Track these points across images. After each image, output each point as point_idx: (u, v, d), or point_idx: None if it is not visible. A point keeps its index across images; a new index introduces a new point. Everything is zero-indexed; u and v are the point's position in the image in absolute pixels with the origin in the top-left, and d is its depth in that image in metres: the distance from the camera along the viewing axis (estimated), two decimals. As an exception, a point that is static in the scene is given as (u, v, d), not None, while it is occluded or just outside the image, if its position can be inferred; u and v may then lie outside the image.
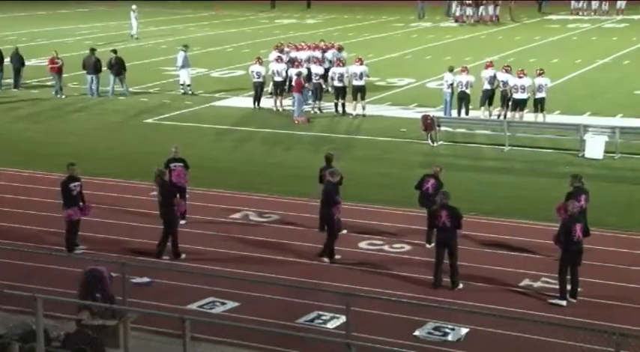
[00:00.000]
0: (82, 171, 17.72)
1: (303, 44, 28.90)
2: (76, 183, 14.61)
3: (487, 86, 23.73)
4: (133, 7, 43.92)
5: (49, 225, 15.81)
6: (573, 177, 14.20)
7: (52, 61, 28.83)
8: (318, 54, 27.07)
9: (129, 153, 21.57)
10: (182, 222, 15.28)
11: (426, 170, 15.70)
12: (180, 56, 28.57)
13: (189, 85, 28.72)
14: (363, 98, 25.13)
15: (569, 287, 12.55)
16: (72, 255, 14.21)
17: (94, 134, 23.71)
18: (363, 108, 25.17)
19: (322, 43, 28.87)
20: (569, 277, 12.56)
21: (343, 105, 25.42)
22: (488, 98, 23.80)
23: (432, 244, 14.54)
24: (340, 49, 27.80)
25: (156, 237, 15.32)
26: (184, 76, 28.74)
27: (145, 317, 11.11)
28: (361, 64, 25.26)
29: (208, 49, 39.56)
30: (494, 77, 23.69)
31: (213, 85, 30.44)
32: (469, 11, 51.06)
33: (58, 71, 28.72)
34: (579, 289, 12.73)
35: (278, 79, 25.84)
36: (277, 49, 28.04)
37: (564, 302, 12.44)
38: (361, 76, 24.97)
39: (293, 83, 25.11)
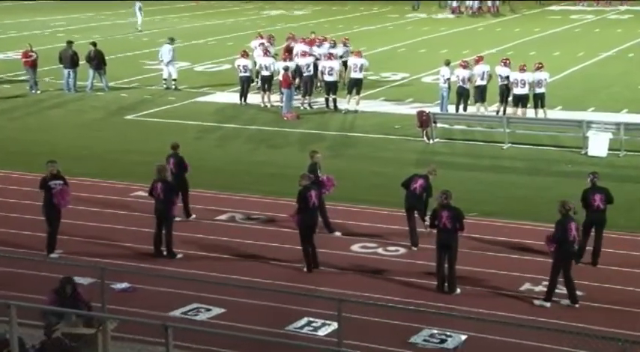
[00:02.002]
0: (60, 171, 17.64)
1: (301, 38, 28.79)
2: (57, 182, 14.52)
3: (480, 82, 23.78)
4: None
5: (23, 228, 15.75)
6: (588, 175, 14.26)
7: (25, 55, 28.71)
8: (307, 47, 27.04)
9: (108, 151, 21.51)
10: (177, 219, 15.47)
11: (423, 169, 15.70)
12: (165, 49, 28.51)
13: (174, 80, 28.61)
14: (358, 92, 25.17)
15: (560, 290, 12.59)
16: (47, 260, 14.16)
17: (72, 132, 23.63)
18: (357, 103, 25.20)
19: (313, 36, 28.84)
20: (560, 279, 12.62)
21: (335, 101, 25.44)
22: (481, 93, 23.85)
23: (417, 248, 14.71)
24: (335, 44, 27.65)
25: (136, 239, 15.30)
26: (170, 71, 28.63)
27: (125, 325, 11.08)
28: (360, 56, 25.37)
29: (192, 42, 39.51)
30: (486, 72, 23.70)
31: (197, 80, 30.39)
32: (468, 2, 51.19)
33: (32, 65, 28.59)
34: (579, 293, 12.78)
35: (265, 73, 25.82)
36: (260, 37, 28.16)
37: (549, 304, 12.56)
38: (361, 69, 25.05)
39: (280, 77, 25.08)
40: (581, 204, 13.99)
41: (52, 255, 14.50)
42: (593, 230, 14.08)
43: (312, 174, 15.00)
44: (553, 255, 12.64)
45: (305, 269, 13.98)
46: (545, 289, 13.14)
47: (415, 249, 14.81)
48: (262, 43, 26.83)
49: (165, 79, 28.78)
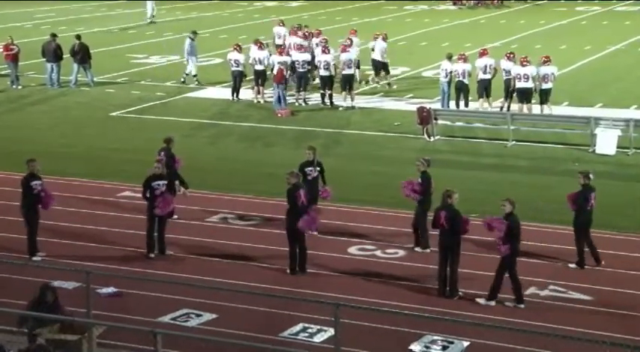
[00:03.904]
0: (41, 170, 17.61)
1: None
2: (37, 182, 14.52)
3: (482, 76, 23.79)
4: None
5: (2, 230, 15.73)
6: (583, 174, 14.29)
7: (6, 48, 28.65)
8: (302, 40, 27.01)
9: (94, 150, 21.49)
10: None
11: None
12: (185, 43, 28.43)
13: (195, 75, 28.49)
14: (352, 88, 25.14)
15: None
16: (30, 264, 14.13)
17: (54, 129, 23.59)
18: (352, 99, 25.22)
19: (306, 30, 28.84)
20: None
21: (330, 97, 25.43)
22: (484, 89, 23.85)
23: (426, 249, 14.70)
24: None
25: (123, 242, 15.30)
26: (190, 66, 28.52)
27: (112, 331, 11.07)
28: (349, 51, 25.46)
29: (183, 35, 39.41)
30: (490, 66, 23.70)
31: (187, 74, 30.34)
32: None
33: (14, 59, 28.52)
34: (587, 297, 12.77)
35: (259, 67, 25.79)
36: (281, 24, 29.46)
37: (494, 303, 12.81)
38: (354, 64, 25.07)
39: (274, 72, 25.05)
40: (574, 204, 14.08)
41: (34, 258, 14.48)
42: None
43: (301, 171, 14.97)
44: (504, 253, 12.72)
45: (288, 271, 13.97)
46: (551, 294, 13.21)
47: (418, 249, 14.84)
48: (261, 44, 26.73)
49: (186, 74, 28.52)
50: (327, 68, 25.11)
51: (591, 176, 14.28)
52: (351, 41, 26.45)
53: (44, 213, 15.14)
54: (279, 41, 28.38)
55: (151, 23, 43.06)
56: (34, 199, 14.48)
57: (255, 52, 26.03)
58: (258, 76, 25.88)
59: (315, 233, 14.85)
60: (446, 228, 13.00)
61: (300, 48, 26.23)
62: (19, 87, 28.43)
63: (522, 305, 12.75)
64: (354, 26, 37.49)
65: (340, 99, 25.35)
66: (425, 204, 14.64)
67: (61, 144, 21.94)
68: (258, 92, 25.99)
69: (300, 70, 25.46)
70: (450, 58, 24.42)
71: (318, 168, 15.62)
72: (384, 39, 27.62)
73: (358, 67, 27.91)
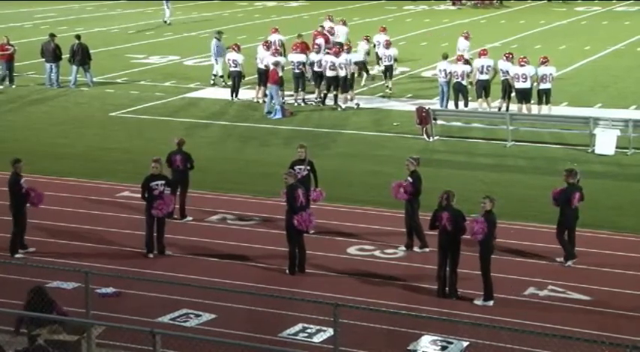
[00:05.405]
0: (39, 170, 17.65)
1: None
2: (23, 180, 14.60)
3: (480, 76, 23.76)
4: None
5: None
6: (569, 172, 14.28)
7: (1, 48, 28.60)
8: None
9: (92, 149, 21.49)
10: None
11: (421, 168, 15.68)
12: (212, 44, 28.43)
13: (221, 76, 28.40)
14: (346, 90, 25.09)
15: None
16: (29, 264, 14.14)
17: (53, 129, 23.59)
18: (352, 99, 25.22)
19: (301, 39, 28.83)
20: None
21: (336, 97, 25.39)
22: (483, 89, 23.83)
23: (425, 249, 14.72)
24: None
25: (121, 242, 15.30)
26: (217, 66, 28.50)
27: (111, 332, 11.08)
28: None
29: (183, 35, 39.49)
30: (488, 66, 23.69)
31: (186, 74, 30.37)
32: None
33: (9, 59, 28.49)
34: (587, 297, 12.74)
35: (261, 67, 25.77)
36: (329, 19, 29.92)
37: (492, 302, 12.87)
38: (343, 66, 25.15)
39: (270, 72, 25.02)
40: (556, 201, 14.11)
41: (18, 255, 14.58)
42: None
43: (292, 169, 14.98)
44: (481, 250, 12.87)
45: (287, 272, 13.98)
46: (550, 294, 13.22)
47: (417, 249, 14.88)
48: (267, 42, 26.75)
49: (214, 75, 28.51)
50: (332, 68, 25.00)
51: (578, 175, 14.23)
52: (350, 45, 26.43)
53: (44, 213, 15.17)
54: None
55: (168, 24, 42.87)
56: (23, 198, 14.55)
57: (260, 52, 26.06)
58: (260, 75, 25.86)
59: (312, 232, 14.82)
60: (448, 229, 12.99)
61: (296, 48, 26.16)
62: (1, 86, 28.19)
63: (491, 303, 12.87)
64: (354, 26, 37.47)
65: (340, 100, 25.36)
66: (415, 203, 14.66)
67: (60, 144, 21.94)
68: (259, 92, 26.02)
69: (296, 70, 25.47)
70: (446, 57, 24.40)
71: (309, 168, 15.60)
72: (467, 37, 27.72)
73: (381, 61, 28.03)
